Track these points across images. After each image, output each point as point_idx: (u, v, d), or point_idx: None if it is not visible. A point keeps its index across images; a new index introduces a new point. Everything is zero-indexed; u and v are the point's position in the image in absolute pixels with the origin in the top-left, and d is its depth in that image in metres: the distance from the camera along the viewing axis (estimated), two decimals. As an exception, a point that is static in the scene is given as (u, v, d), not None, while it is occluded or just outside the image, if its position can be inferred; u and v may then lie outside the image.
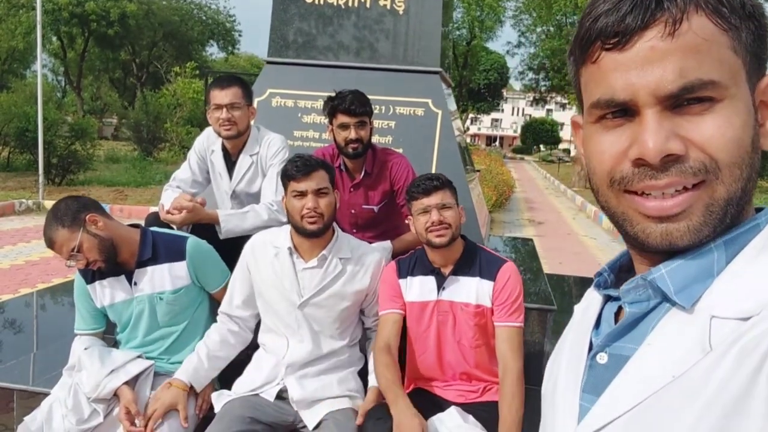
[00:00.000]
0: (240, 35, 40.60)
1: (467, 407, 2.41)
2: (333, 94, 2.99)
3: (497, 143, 77.75)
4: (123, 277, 2.64)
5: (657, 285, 0.68)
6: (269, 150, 3.16)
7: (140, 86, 38.54)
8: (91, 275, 2.64)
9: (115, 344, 2.79)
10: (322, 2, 3.96)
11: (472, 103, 42.99)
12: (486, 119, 78.80)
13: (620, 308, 0.77)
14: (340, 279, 2.54)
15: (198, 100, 19.66)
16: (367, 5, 3.92)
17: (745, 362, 0.57)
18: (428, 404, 2.41)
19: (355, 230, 3.16)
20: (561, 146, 65.36)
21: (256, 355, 2.66)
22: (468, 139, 60.47)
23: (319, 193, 2.44)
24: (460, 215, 2.47)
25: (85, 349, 2.61)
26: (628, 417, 0.65)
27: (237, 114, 3.09)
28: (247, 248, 2.63)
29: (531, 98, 46.27)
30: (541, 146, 63.20)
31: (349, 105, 2.92)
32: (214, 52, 44.72)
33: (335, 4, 3.95)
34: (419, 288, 2.50)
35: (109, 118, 46.35)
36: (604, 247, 10.83)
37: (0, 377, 2.88)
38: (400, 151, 3.70)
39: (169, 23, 36.06)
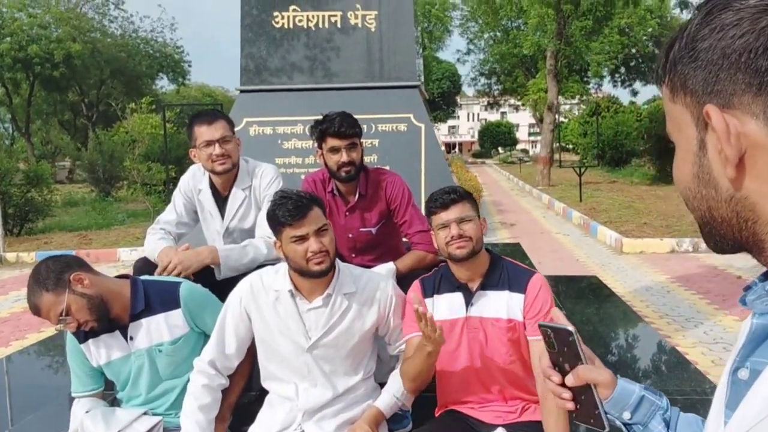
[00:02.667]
0: (189, 65, 40.20)
1: (507, 429, 2.32)
2: (320, 118, 2.90)
3: (456, 149, 78.35)
4: (117, 332, 2.51)
5: None
6: (262, 180, 3.06)
7: (91, 126, 37.82)
8: (83, 334, 2.50)
9: (114, 402, 2.64)
10: (291, 26, 3.89)
11: (428, 113, 43.30)
12: (443, 127, 79.35)
13: None
14: (347, 316, 2.41)
15: (156, 134, 19.35)
16: (338, 25, 3.87)
17: None
18: (464, 427, 2.34)
19: (353, 254, 3.08)
20: (519, 147, 66.29)
21: (268, 400, 2.53)
22: (427, 149, 60.89)
23: (319, 232, 2.30)
24: (482, 227, 2.40)
25: (87, 412, 2.47)
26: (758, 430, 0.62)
27: (229, 147, 2.99)
28: (245, 292, 2.45)
29: (485, 103, 46.87)
30: (500, 149, 63.90)
31: (339, 128, 2.84)
32: (164, 84, 44.18)
33: (305, 26, 3.89)
34: (447, 306, 2.40)
35: (62, 162, 45.38)
36: (578, 242, 10.91)
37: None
38: (387, 168, 3.63)
39: (116, 60, 35.52)
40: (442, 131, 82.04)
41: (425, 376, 2.32)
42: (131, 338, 2.51)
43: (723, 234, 0.70)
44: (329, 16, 3.85)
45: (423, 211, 3.55)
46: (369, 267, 2.85)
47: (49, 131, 45.48)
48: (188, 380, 2.57)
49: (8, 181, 15.16)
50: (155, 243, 3.01)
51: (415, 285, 2.50)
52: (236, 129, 3.82)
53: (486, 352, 2.37)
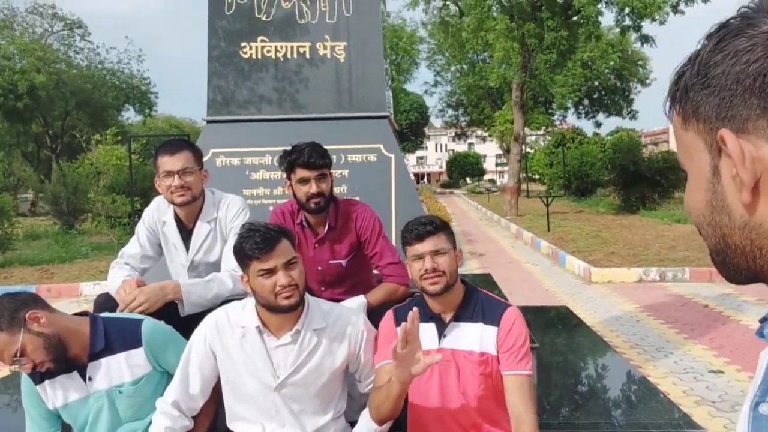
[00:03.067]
0: (156, 97, 39.99)
1: None
2: (289, 148, 2.85)
3: (425, 180, 78.87)
4: (75, 373, 2.38)
5: None
6: (228, 213, 2.99)
7: (55, 158, 37.26)
8: (39, 375, 2.37)
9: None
10: (260, 56, 3.86)
11: (398, 143, 43.68)
12: (411, 158, 79.98)
13: None
14: (317, 352, 2.33)
15: (122, 166, 19.10)
16: (307, 56, 3.86)
17: None
18: None
19: (323, 288, 3.01)
20: (486, 177, 67.02)
21: None
22: (396, 180, 61.17)
23: (288, 265, 2.22)
24: (458, 259, 2.35)
25: (41, 456, 2.34)
26: None
27: (190, 179, 2.91)
28: (209, 328, 2.36)
29: (452, 134, 47.45)
30: (468, 179, 64.53)
31: (308, 158, 2.79)
32: (130, 116, 43.78)
33: (273, 57, 3.86)
34: (420, 336, 2.33)
35: (25, 194, 44.49)
36: (547, 272, 10.95)
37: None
38: (357, 199, 3.59)
39: (81, 91, 35.16)
40: (410, 162, 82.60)
41: (391, 406, 2.22)
42: (90, 379, 2.39)
43: (737, 263, 0.69)
44: (298, 46, 3.83)
45: (394, 242, 3.52)
46: (339, 300, 2.79)
47: (12, 163, 44.64)
48: (150, 422, 2.46)
49: (-32, 214, 14.80)
50: (119, 279, 2.91)
51: (389, 314, 2.45)
52: (203, 160, 3.77)
53: (458, 386, 2.32)
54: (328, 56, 3.82)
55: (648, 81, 39.14)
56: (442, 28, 27.30)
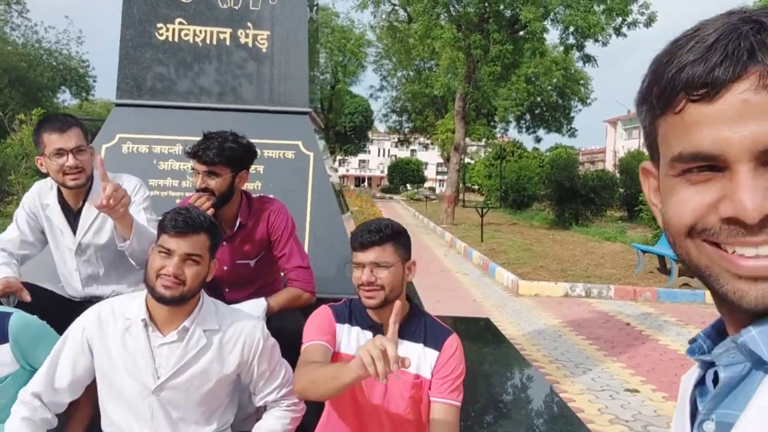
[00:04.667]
0: (95, 81, 38.70)
1: None
2: (208, 133, 2.67)
3: (366, 183, 78.97)
4: None
5: (748, 347, 0.65)
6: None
7: (-16, 136, 35.57)
8: None
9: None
10: (177, 40, 3.63)
11: (339, 145, 43.55)
12: (354, 160, 79.90)
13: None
14: (204, 355, 2.14)
15: (48, 149, 18.33)
16: (227, 43, 3.65)
17: None
18: None
19: (227, 289, 2.82)
20: (427, 185, 67.55)
21: None
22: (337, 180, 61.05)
23: (189, 258, 2.08)
24: (407, 271, 2.18)
25: None
26: None
27: (84, 159, 2.68)
28: (90, 321, 2.15)
29: (396, 139, 47.58)
30: (408, 185, 64.86)
31: (200, 150, 2.61)
32: (66, 98, 42.16)
33: (192, 41, 3.64)
34: (355, 341, 2.18)
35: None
36: (477, 282, 10.98)
37: None
38: (271, 197, 3.42)
39: (15, 69, 33.71)
40: (352, 164, 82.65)
41: (329, 390, 1.95)
42: None
43: None
44: (218, 32, 3.62)
45: (308, 245, 3.37)
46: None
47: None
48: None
49: None
50: None
51: (325, 308, 2.26)
52: (107, 145, 3.54)
53: (382, 403, 2.17)
54: (250, 45, 3.62)
55: (588, 100, 40.09)
56: (390, 32, 27.37)
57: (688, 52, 0.64)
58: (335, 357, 2.18)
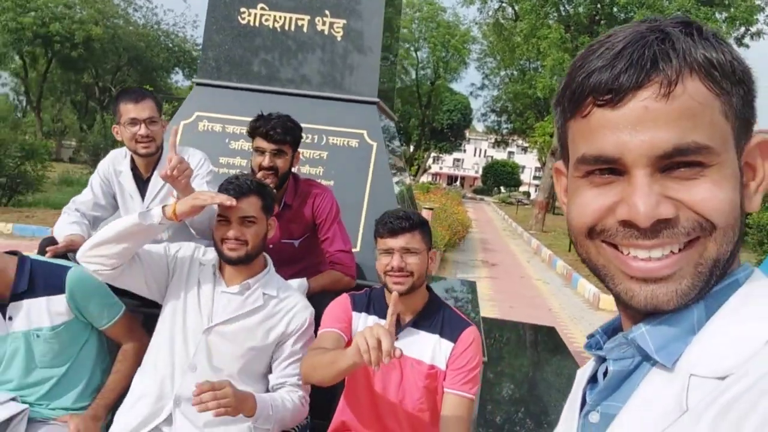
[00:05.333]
0: (206, 64, 40.37)
1: None
2: (263, 114, 2.77)
3: (458, 183, 78.32)
4: None
5: (638, 343, 0.69)
6: (190, 163, 2.92)
7: (101, 110, 38.00)
8: (-40, 308, 2.34)
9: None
10: (257, 24, 3.77)
11: (434, 142, 43.36)
12: (448, 159, 79.44)
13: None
14: (256, 314, 2.31)
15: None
16: (305, 29, 3.75)
17: (720, 425, 0.56)
18: None
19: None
20: (521, 189, 66.24)
21: (138, 381, 2.36)
22: (429, 178, 60.84)
23: (244, 221, 2.26)
24: (429, 261, 2.22)
25: (-50, 390, 2.30)
26: None
27: (155, 129, 2.86)
28: (188, 249, 2.41)
29: (493, 140, 46.96)
30: (502, 188, 63.86)
31: (269, 129, 2.70)
32: (179, 79, 44.36)
33: (271, 26, 3.76)
34: None
35: (69, 141, 45.44)
36: (556, 291, 10.75)
37: None
38: (331, 183, 3.50)
39: (134, 48, 35.79)
40: (446, 163, 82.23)
41: (327, 376, 1.97)
42: (10, 318, 2.35)
43: (722, 272, 0.70)
44: (296, 19, 3.72)
45: (362, 233, 3.42)
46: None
47: (61, 109, 45.64)
48: (66, 372, 2.42)
49: (4, 151, 15.13)
50: (67, 226, 2.88)
51: (344, 296, 2.33)
52: (186, 122, 3.73)
53: (397, 393, 2.20)
54: (326, 32, 3.70)
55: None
56: (495, 30, 26.96)
57: (597, 58, 0.67)
58: (349, 332, 2.24)
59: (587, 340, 0.81)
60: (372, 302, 2.30)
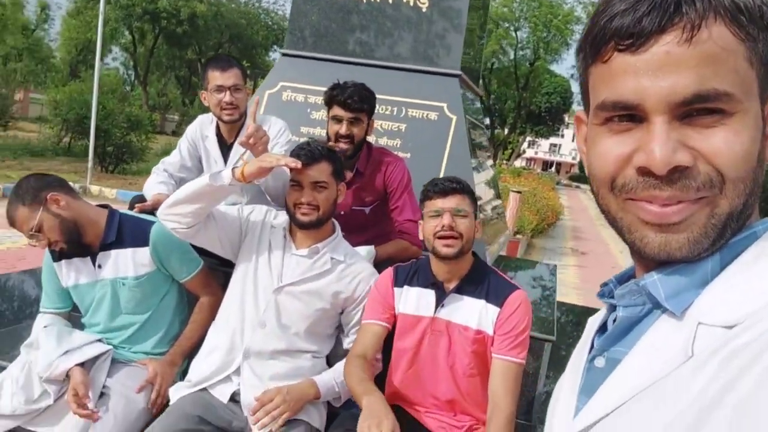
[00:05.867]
0: (305, 43, 41.07)
1: None
2: (339, 82, 2.83)
3: (553, 169, 76.38)
4: (88, 258, 2.54)
5: (648, 290, 0.69)
6: (271, 131, 3.02)
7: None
8: (58, 253, 2.54)
9: (78, 326, 2.68)
10: (344, -5, 3.82)
11: (530, 126, 42.31)
12: (544, 143, 77.51)
13: None
14: (325, 277, 2.40)
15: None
16: (390, 0, 3.77)
17: (723, 371, 0.56)
18: (407, 428, 2.16)
19: (343, 234, 2.99)
20: (620, 178, 63.61)
21: (211, 335, 2.49)
22: (523, 162, 59.55)
23: (316, 186, 2.33)
24: (476, 228, 2.23)
25: (45, 327, 2.51)
26: (610, 418, 0.66)
27: (239, 96, 2.98)
28: (260, 212, 2.51)
29: (592, 126, 45.23)
30: (599, 176, 61.54)
31: (346, 98, 2.75)
32: (276, 57, 45.31)
33: (357, -2, 3.81)
34: (416, 300, 2.26)
35: (173, 114, 47.49)
36: (645, 281, 10.37)
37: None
38: (408, 156, 3.52)
39: (235, 26, 36.88)
40: (542, 147, 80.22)
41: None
42: (99, 266, 2.54)
43: (739, 225, 0.69)
44: (383, -10, 3.76)
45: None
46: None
47: (166, 84, 47.75)
48: (147, 319, 2.58)
49: (111, 122, 16.07)
50: (155, 185, 3.05)
51: (388, 271, 2.37)
52: (270, 91, 3.84)
53: (446, 359, 2.21)
54: (411, 4, 3.70)
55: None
56: (598, 11, 25.95)
57: (620, 2, 0.65)
58: (395, 319, 2.29)
59: (601, 288, 0.81)
60: (417, 273, 2.31)
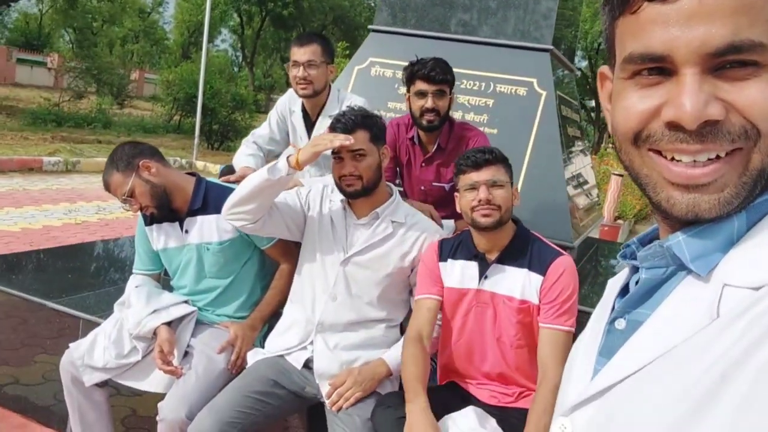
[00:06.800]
0: (406, 23, 41.10)
1: (500, 411, 2.15)
2: (414, 60, 2.81)
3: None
4: (177, 223, 2.66)
5: (673, 252, 0.66)
6: None
7: (306, 66, 40.08)
8: (150, 218, 2.68)
9: (168, 288, 2.82)
10: (434, -29, 3.77)
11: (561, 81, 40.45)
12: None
13: None
14: (388, 241, 2.40)
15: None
16: (481, -26, 3.69)
17: (748, 333, 0.54)
18: (459, 402, 2.18)
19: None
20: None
21: (288, 310, 2.56)
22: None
23: (355, 155, 2.31)
24: (514, 197, 2.20)
25: (136, 287, 2.65)
26: (630, 380, 0.64)
27: (313, 72, 3.02)
28: (317, 189, 2.54)
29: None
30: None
31: (429, 71, 2.73)
32: (379, 38, 45.56)
33: (448, -28, 3.75)
34: (460, 273, 2.24)
35: (277, 95, 48.78)
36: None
37: (71, 305, 3.01)
38: (495, 131, 3.46)
39: (339, 8, 37.30)
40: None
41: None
42: (186, 231, 2.65)
43: (764, 187, 0.65)
44: (474, -36, 3.68)
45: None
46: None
47: (272, 65, 49.10)
48: (230, 283, 2.68)
49: (218, 101, 16.74)
50: (244, 157, 3.15)
51: (433, 246, 2.36)
52: (360, 67, 3.86)
53: (493, 331, 2.19)
54: (502, -23, 3.62)
55: None
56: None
57: None
58: (443, 291, 2.27)
59: (622, 249, 0.78)
60: (460, 246, 2.28)
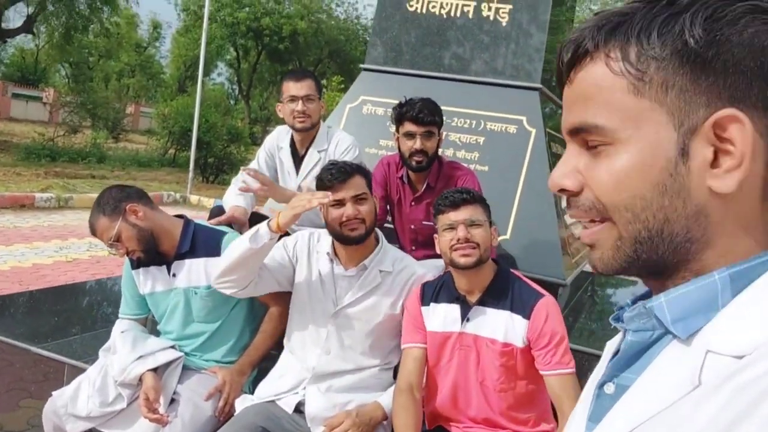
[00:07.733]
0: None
1: None
2: (403, 100, 2.82)
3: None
4: (164, 267, 2.62)
5: (655, 313, 0.66)
6: (338, 147, 3.09)
7: (302, 99, 40.40)
8: (136, 262, 2.64)
9: (155, 333, 2.77)
10: (424, 11, 3.82)
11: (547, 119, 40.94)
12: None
13: None
14: (377, 292, 2.39)
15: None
16: (470, 15, 3.72)
17: (731, 405, 0.53)
18: None
19: (413, 247, 2.96)
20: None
21: (282, 358, 2.55)
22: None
23: (357, 199, 2.33)
24: (492, 236, 2.19)
25: (122, 332, 2.61)
26: None
27: (311, 106, 3.06)
28: (305, 239, 2.51)
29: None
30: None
31: (417, 113, 2.74)
32: (374, 71, 46.03)
33: (437, 13, 3.79)
34: (442, 317, 2.23)
35: (273, 127, 49.04)
36: None
37: (57, 350, 2.96)
38: (486, 169, 3.46)
39: (335, 42, 37.69)
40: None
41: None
42: (174, 275, 2.62)
43: (654, 253, 0.65)
44: (463, 5, 3.70)
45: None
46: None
47: (268, 98, 49.50)
48: (218, 328, 2.64)
49: (214, 134, 16.79)
50: (233, 197, 3.13)
51: (415, 291, 2.34)
52: (351, 105, 3.88)
53: (476, 374, 2.17)
54: (491, 18, 3.64)
55: None
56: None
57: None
58: (426, 336, 2.25)
59: (615, 311, 0.77)
60: (441, 289, 2.27)
